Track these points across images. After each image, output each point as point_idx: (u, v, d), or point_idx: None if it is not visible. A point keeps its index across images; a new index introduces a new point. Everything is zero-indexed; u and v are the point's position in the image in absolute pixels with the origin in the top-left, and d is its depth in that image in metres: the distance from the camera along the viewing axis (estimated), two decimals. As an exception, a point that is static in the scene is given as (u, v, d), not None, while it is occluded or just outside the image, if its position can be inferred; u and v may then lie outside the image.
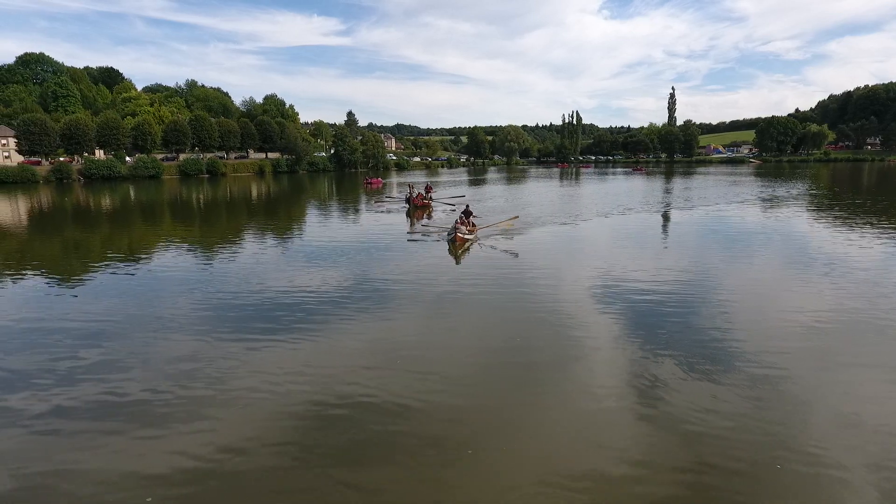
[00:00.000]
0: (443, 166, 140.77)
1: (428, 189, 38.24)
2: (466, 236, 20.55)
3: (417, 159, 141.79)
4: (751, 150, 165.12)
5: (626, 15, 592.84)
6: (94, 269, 17.52)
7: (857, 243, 20.02)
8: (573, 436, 6.86)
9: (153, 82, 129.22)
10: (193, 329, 11.14)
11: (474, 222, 22.64)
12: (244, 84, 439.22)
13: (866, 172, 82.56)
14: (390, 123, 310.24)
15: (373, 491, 5.85)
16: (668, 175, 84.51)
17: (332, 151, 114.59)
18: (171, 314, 12.22)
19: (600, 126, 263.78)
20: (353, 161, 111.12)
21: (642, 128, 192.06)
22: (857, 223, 25.70)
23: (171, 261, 18.82)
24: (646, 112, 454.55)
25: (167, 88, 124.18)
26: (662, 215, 30.75)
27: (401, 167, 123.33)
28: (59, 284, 15.82)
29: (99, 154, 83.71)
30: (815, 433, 6.74)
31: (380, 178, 72.52)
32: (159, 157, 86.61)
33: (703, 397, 7.68)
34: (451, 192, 49.12)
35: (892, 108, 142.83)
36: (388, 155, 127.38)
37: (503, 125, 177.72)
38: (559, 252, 19.97)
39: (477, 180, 74.79)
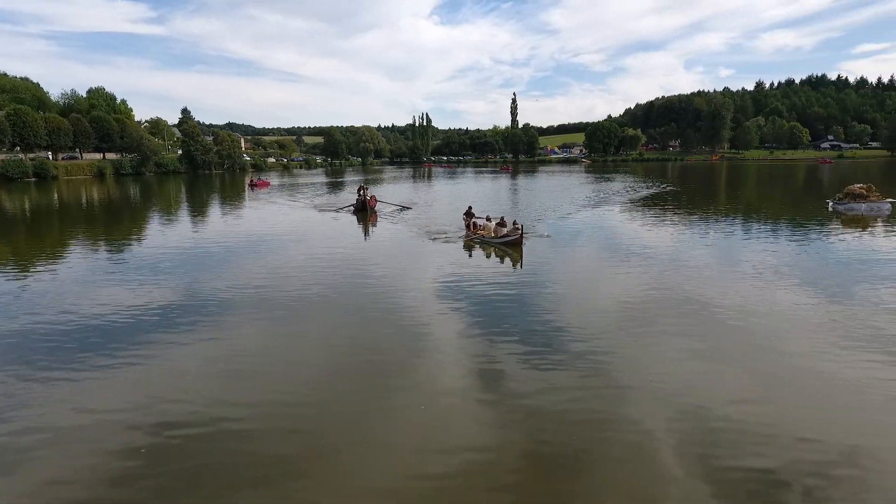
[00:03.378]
0: (300, 167, 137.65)
1: (362, 189, 36.31)
2: (525, 236, 20.08)
3: (273, 160, 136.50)
4: (581, 150, 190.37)
5: (456, 21, 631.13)
6: None
7: (668, 232, 23.37)
8: (424, 432, 7.22)
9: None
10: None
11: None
12: (32, 73, 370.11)
13: (671, 169, 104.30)
14: (220, 122, 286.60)
15: None
16: (524, 174, 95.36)
17: (181, 151, 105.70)
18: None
19: (439, 128, 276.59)
20: (208, 162, 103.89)
21: (479, 130, 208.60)
22: (669, 214, 29.62)
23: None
24: (478, 115, 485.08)
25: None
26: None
27: (258, 168, 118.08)
28: None
29: None
30: (631, 403, 7.81)
31: (268, 180, 69.80)
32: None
33: (539, 380, 8.58)
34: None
35: (686, 116, 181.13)
36: (244, 156, 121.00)
37: (347, 125, 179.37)
38: (411, 253, 20.43)
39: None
